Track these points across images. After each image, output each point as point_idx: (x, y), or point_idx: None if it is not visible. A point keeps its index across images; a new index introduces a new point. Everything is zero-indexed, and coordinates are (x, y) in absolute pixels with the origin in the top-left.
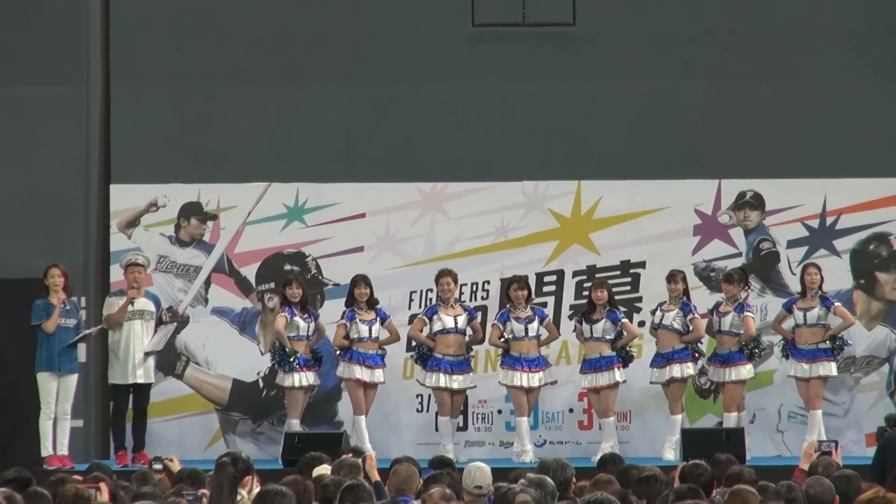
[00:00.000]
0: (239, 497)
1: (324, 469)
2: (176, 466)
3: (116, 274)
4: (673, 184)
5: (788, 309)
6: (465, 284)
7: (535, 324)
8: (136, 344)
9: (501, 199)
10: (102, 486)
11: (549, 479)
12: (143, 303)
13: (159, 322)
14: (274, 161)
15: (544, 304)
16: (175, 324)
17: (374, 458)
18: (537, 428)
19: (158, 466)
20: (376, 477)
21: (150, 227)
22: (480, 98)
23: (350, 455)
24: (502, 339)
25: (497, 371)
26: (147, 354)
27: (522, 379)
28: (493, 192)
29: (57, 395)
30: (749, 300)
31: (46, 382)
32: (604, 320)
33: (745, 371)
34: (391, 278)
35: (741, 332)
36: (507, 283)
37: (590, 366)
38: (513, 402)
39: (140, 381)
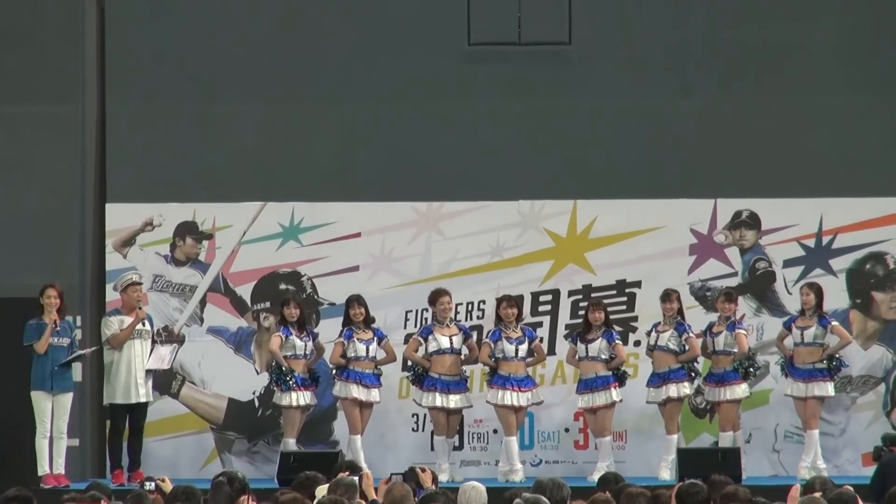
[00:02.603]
0: None
1: (321, 490)
2: (168, 487)
3: (112, 293)
4: (669, 203)
5: (788, 327)
6: (461, 304)
7: (526, 345)
8: (137, 363)
9: (497, 218)
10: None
11: (544, 499)
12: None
13: (154, 341)
14: (269, 180)
15: (539, 324)
16: (177, 346)
17: (371, 477)
18: (533, 447)
19: (150, 486)
20: (373, 496)
21: (146, 247)
22: (476, 117)
23: (346, 473)
24: (492, 358)
25: None
26: (149, 372)
27: (512, 398)
28: (489, 212)
29: (52, 414)
30: (743, 320)
31: (40, 401)
32: (600, 339)
33: (741, 390)
34: (386, 298)
35: (735, 350)
36: (497, 302)
37: (586, 386)
38: (501, 422)
39: (142, 399)
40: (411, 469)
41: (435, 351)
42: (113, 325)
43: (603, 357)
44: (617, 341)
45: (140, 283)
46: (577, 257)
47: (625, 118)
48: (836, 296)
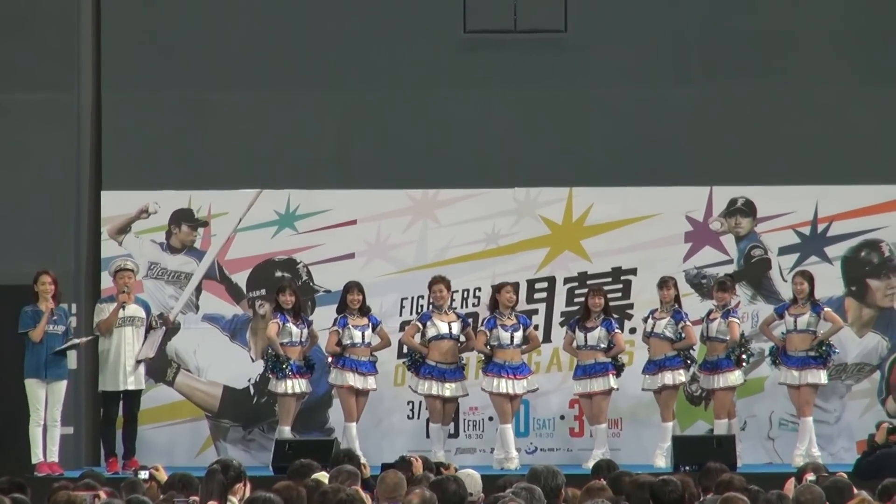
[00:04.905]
0: None
1: (322, 476)
2: (162, 475)
3: (107, 280)
4: (664, 190)
5: (780, 314)
6: (457, 291)
7: (521, 332)
8: (128, 351)
9: (493, 205)
10: (101, 493)
11: (537, 488)
12: (133, 309)
13: (149, 328)
14: (265, 168)
15: (535, 311)
16: (164, 329)
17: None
18: (528, 435)
19: (144, 475)
20: None
21: (141, 234)
22: (472, 105)
23: (346, 460)
24: (487, 346)
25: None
26: (139, 362)
27: (507, 386)
28: (485, 199)
29: (46, 401)
30: (739, 307)
31: (34, 389)
32: (599, 328)
33: (734, 378)
34: (382, 285)
35: (727, 337)
36: (497, 287)
37: (584, 371)
38: (496, 410)
39: (131, 387)
40: (402, 458)
41: (434, 336)
42: (103, 311)
43: (602, 346)
44: (616, 330)
45: (129, 270)
46: (572, 245)
47: (620, 105)
48: (832, 283)
